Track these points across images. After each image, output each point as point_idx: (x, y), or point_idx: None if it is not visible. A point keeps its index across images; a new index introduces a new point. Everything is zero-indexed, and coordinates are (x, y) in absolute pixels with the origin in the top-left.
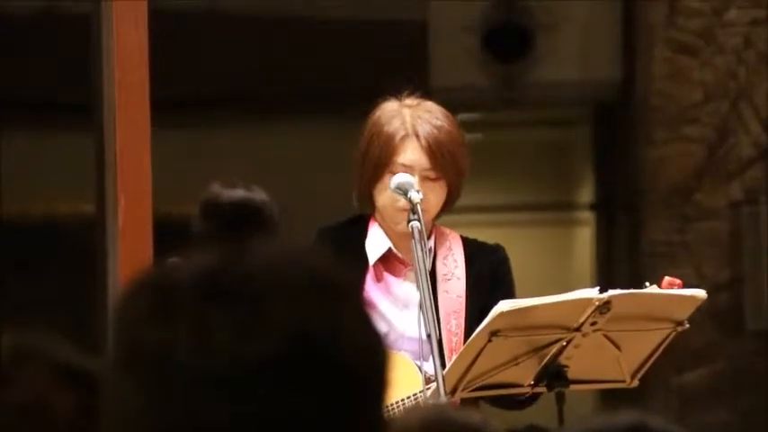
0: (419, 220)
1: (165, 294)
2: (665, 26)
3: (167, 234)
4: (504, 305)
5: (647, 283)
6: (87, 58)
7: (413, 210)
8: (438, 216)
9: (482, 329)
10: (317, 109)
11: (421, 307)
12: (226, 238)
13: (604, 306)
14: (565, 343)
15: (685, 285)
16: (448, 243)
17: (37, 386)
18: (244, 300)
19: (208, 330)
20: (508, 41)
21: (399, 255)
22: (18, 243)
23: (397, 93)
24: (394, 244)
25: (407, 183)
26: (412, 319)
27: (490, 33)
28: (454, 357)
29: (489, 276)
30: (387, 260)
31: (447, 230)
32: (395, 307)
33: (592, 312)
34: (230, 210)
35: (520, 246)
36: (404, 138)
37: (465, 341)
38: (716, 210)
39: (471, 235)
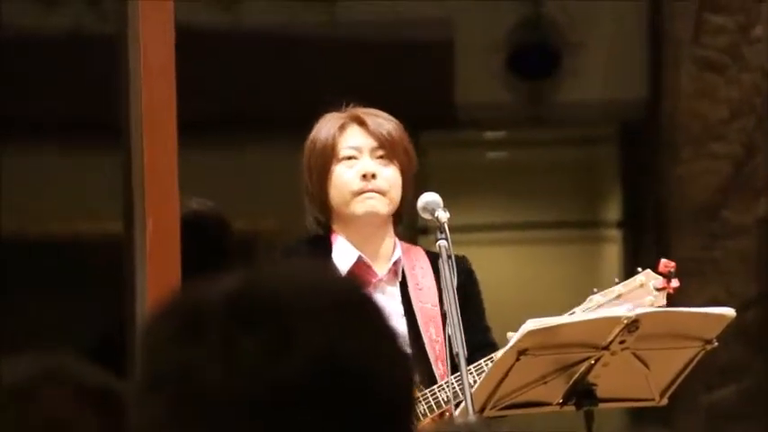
0: (447, 239)
1: (192, 316)
2: (691, 43)
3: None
4: (531, 324)
5: (639, 269)
6: (114, 79)
7: (440, 229)
8: (398, 223)
9: (510, 348)
10: None
11: (450, 326)
12: (189, 249)
13: (633, 325)
14: (593, 361)
15: (714, 303)
16: (411, 254)
17: (60, 407)
18: (271, 321)
19: (236, 352)
20: (534, 60)
21: (368, 262)
22: (44, 263)
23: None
24: (362, 252)
25: (434, 202)
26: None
27: (516, 52)
28: (439, 374)
29: (460, 286)
30: (355, 272)
31: (408, 244)
32: None
33: (620, 331)
34: (191, 222)
35: (546, 264)
36: (343, 126)
37: (447, 348)
38: (743, 226)
39: (498, 254)
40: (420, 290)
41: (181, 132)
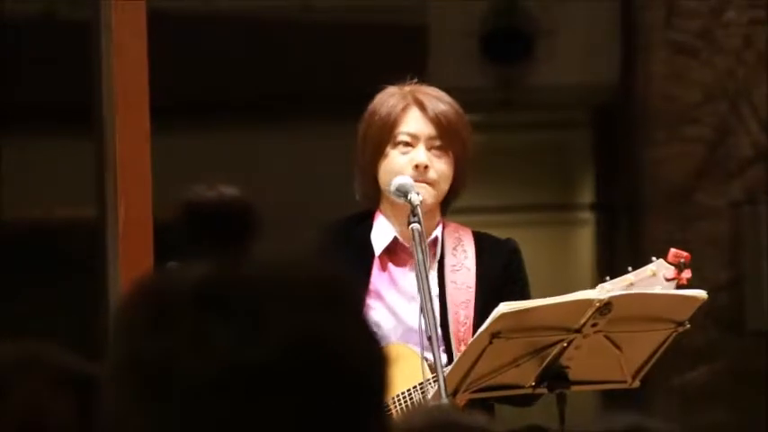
0: (419, 222)
1: (163, 302)
2: (664, 27)
3: (167, 239)
4: (504, 307)
5: (654, 258)
6: (87, 64)
7: (413, 212)
8: (447, 206)
9: (483, 331)
10: (316, 113)
11: (422, 309)
12: (215, 237)
13: (605, 307)
14: (566, 344)
15: (686, 286)
16: (458, 235)
17: (35, 393)
18: (243, 306)
19: (207, 338)
20: (508, 44)
21: (405, 244)
22: (18, 248)
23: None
24: (399, 233)
25: (407, 184)
26: (419, 312)
27: (490, 36)
28: (458, 356)
29: (501, 269)
30: (392, 251)
31: (458, 225)
32: (402, 298)
33: (592, 313)
34: (219, 209)
35: (520, 246)
36: (405, 108)
37: (474, 332)
38: (716, 210)
39: None
40: (457, 271)
41: (154, 116)
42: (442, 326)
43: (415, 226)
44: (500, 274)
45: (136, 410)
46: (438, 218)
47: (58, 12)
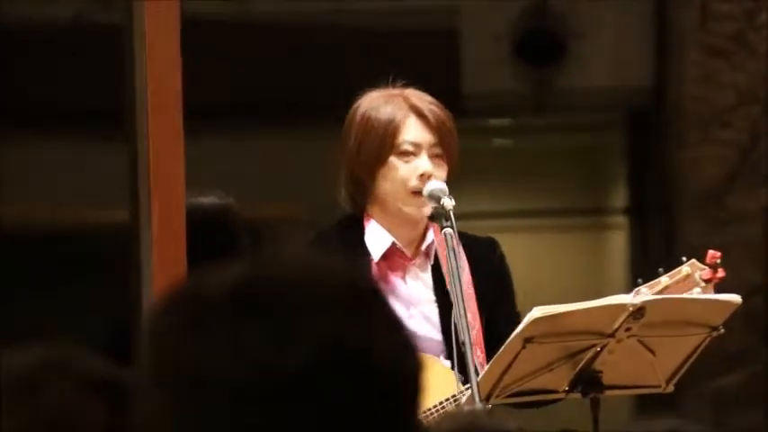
0: (452, 227)
1: (197, 307)
2: (697, 30)
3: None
4: (538, 311)
5: (684, 258)
6: (119, 67)
7: (446, 217)
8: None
9: (516, 336)
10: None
11: (456, 314)
12: (191, 242)
13: (638, 312)
14: (599, 349)
15: (719, 290)
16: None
17: (66, 398)
18: (277, 311)
19: (241, 343)
20: (540, 47)
21: (401, 247)
22: (51, 253)
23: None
24: (395, 237)
25: (440, 189)
26: (419, 318)
27: (522, 39)
28: (490, 363)
29: (494, 273)
30: (388, 257)
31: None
32: (400, 305)
33: (626, 318)
34: (198, 215)
35: (553, 251)
36: (405, 117)
37: (484, 334)
38: (749, 213)
39: (504, 241)
40: (454, 274)
41: (186, 120)
42: (446, 332)
43: (448, 230)
44: (494, 278)
45: (170, 413)
46: (426, 220)
47: (89, 15)
